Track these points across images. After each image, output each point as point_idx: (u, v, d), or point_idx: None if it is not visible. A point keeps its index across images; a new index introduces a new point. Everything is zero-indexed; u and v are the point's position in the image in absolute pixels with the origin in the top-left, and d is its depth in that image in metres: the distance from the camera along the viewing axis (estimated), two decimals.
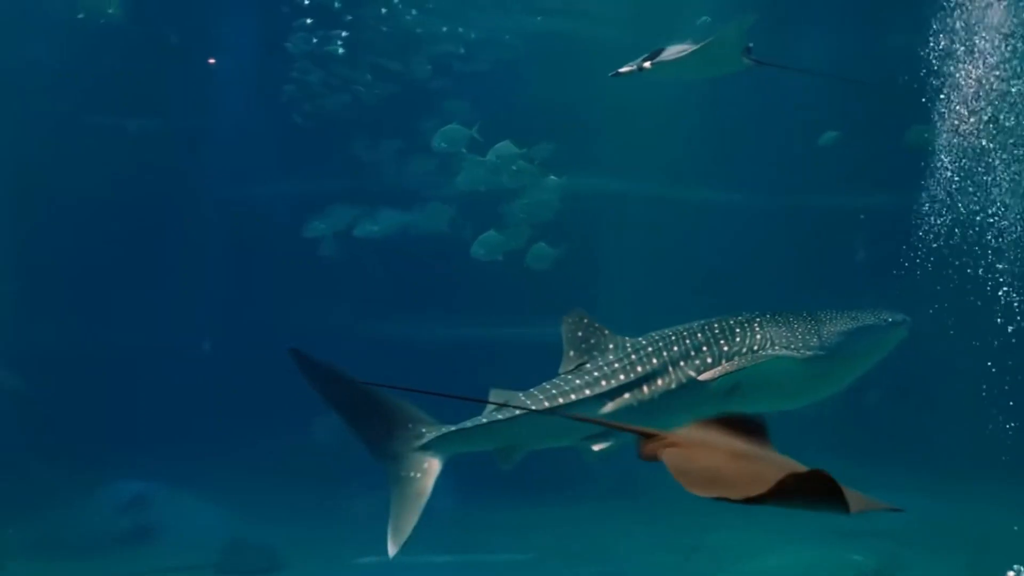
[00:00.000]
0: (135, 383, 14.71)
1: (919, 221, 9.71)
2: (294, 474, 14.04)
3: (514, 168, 13.48)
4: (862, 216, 14.97)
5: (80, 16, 13.32)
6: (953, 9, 9.06)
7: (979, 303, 9.58)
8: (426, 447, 6.41)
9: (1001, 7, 8.86)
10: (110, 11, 13.30)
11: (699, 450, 3.03)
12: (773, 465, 2.97)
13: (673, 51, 8.32)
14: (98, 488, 13.43)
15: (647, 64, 8.29)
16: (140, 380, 14.72)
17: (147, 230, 15.57)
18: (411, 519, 6.37)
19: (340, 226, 14.80)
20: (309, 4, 15.53)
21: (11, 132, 14.88)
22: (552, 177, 14.16)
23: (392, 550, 6.31)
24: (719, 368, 6.48)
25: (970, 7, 8.98)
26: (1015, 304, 9.27)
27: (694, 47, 8.20)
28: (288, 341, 15.10)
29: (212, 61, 16.67)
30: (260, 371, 14.65)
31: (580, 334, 6.78)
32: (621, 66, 8.42)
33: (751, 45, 8.27)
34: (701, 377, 6.48)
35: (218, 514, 13.19)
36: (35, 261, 15.49)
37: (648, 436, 3.12)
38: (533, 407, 6.38)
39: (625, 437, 6.40)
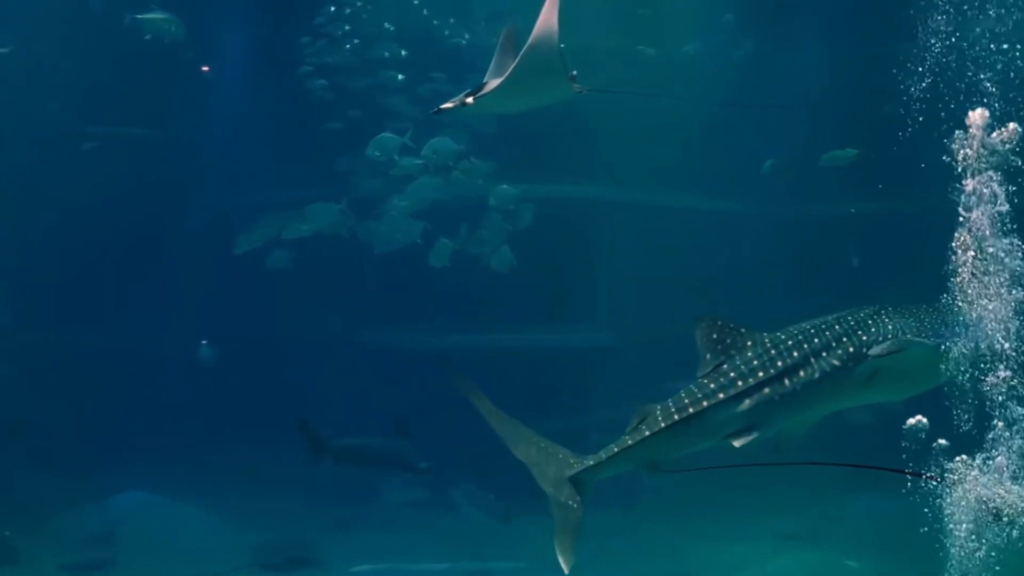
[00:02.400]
0: (132, 389, 14.65)
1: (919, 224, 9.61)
2: (284, 483, 13.96)
3: (453, 166, 13.42)
4: (852, 210, 14.96)
5: (147, 38, 13.60)
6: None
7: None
8: (574, 478, 6.63)
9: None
10: (173, 29, 13.54)
11: None
12: None
13: (494, 82, 8.12)
14: (95, 502, 13.28)
15: (469, 100, 8.13)
16: (135, 387, 14.65)
17: (138, 238, 15.50)
18: (574, 540, 6.69)
19: (271, 234, 14.58)
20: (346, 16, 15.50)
21: (10, 135, 14.85)
22: (505, 186, 14.10)
23: (566, 567, 6.66)
24: (887, 344, 6.63)
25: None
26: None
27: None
28: (284, 347, 15.08)
29: (206, 69, 16.62)
30: (253, 377, 14.70)
31: (715, 336, 6.87)
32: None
33: (575, 72, 8.14)
34: (871, 352, 6.63)
35: (210, 522, 13.05)
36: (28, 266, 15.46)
37: None
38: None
39: (767, 430, 6.62)
